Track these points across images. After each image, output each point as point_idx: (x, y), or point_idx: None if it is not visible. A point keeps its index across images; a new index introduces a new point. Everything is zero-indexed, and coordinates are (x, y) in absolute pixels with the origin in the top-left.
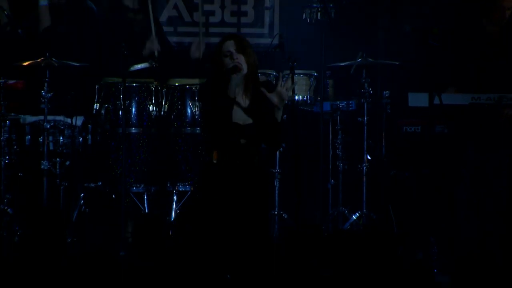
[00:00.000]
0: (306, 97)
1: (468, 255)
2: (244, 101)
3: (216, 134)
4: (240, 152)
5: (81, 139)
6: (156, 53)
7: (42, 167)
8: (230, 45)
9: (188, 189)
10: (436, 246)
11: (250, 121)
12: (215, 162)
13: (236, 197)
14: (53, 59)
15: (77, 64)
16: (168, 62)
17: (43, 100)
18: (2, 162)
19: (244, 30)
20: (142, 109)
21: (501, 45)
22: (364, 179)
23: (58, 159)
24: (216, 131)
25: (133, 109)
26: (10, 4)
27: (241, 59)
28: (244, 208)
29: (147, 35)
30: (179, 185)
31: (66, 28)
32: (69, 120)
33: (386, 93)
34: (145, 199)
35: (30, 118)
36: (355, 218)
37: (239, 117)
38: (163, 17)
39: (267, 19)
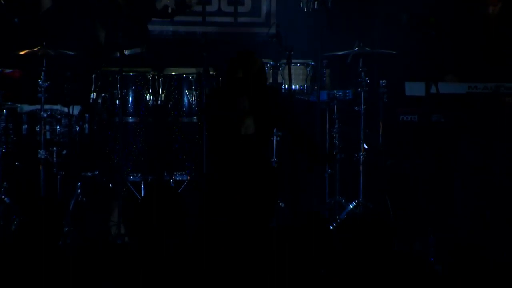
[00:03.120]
0: (303, 86)
1: (465, 245)
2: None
3: (223, 147)
4: (246, 159)
5: (78, 128)
6: (169, 10)
7: (39, 156)
8: (240, 73)
9: (185, 178)
10: (432, 236)
11: (251, 131)
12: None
13: (246, 191)
14: (49, 48)
15: (74, 53)
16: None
17: (40, 89)
18: None
19: (241, 20)
20: (139, 98)
21: (498, 34)
22: (361, 168)
23: (55, 148)
24: (223, 144)
25: (130, 98)
26: None
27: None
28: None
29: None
30: (176, 174)
31: (64, 16)
32: (66, 109)
33: (383, 82)
34: (142, 188)
35: (27, 107)
36: (352, 207)
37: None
38: (159, 6)
39: (264, 9)
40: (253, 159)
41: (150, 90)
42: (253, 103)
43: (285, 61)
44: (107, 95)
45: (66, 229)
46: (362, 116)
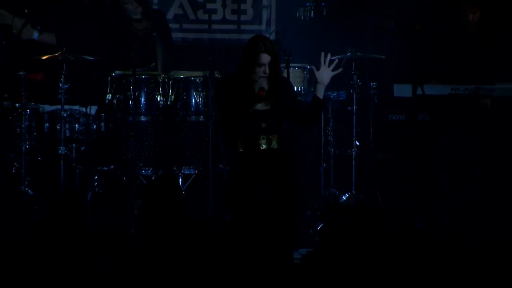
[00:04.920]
0: (300, 88)
1: (448, 231)
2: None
3: (238, 126)
4: (261, 136)
5: (95, 127)
6: (133, 16)
7: (59, 152)
8: (266, 59)
9: (192, 172)
10: (417, 224)
11: (268, 107)
12: (241, 150)
13: (263, 182)
14: (69, 53)
15: (92, 58)
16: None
17: (60, 91)
18: (23, 148)
19: (244, 27)
20: (150, 99)
21: (478, 40)
22: (353, 163)
23: (74, 144)
24: (238, 124)
25: (142, 99)
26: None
27: (264, 83)
28: (271, 193)
29: (150, 40)
30: (184, 169)
31: (85, 27)
32: (84, 109)
33: (373, 84)
34: None
35: (48, 107)
36: (345, 198)
37: (258, 105)
38: (170, 15)
39: (264, 17)
40: (269, 135)
41: (161, 92)
42: (271, 86)
43: (283, 65)
44: (121, 96)
45: (84, 219)
46: (354, 116)
